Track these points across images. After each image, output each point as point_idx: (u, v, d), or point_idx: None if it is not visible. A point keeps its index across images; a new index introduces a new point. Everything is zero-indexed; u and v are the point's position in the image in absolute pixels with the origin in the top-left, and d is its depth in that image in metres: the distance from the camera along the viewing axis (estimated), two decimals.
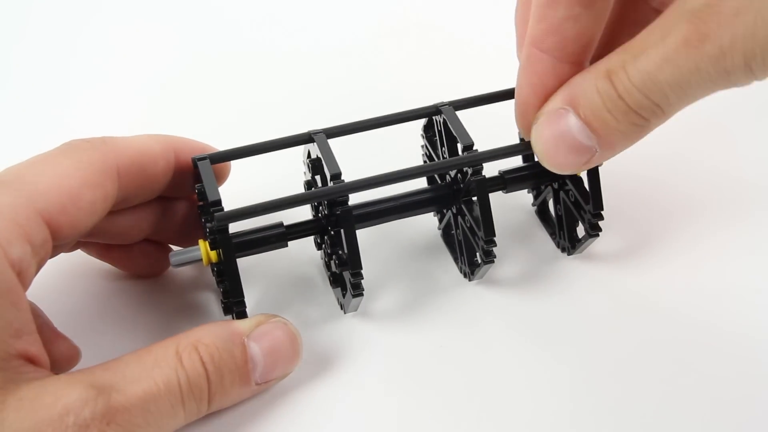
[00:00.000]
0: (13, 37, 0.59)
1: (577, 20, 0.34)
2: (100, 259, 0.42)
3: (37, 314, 0.36)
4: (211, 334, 0.35)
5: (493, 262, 0.40)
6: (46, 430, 0.30)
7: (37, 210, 0.33)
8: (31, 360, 0.32)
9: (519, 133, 0.45)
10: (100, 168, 0.36)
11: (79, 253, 0.41)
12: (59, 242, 0.35)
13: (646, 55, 0.31)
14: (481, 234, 0.39)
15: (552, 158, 0.35)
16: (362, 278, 0.38)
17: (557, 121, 0.34)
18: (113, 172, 0.36)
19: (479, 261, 0.40)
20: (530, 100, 0.35)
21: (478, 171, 0.39)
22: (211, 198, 0.36)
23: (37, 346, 0.33)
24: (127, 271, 0.43)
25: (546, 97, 0.35)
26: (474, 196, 0.39)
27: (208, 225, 0.37)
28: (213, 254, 0.38)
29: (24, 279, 0.33)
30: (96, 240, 0.40)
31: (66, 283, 0.42)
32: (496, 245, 0.39)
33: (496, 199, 0.44)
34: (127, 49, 0.58)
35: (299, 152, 0.42)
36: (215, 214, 0.36)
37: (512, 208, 0.46)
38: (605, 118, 0.33)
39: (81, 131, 0.39)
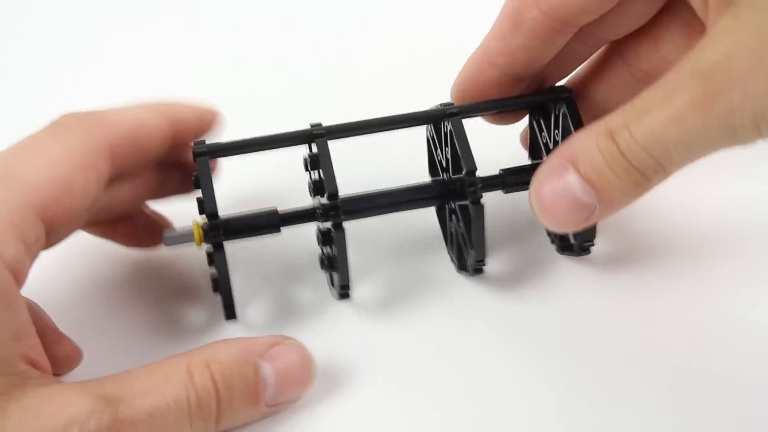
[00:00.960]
0: (11, 37, 0.56)
1: (532, 50, 0.38)
2: (105, 238, 0.42)
3: (38, 315, 0.36)
4: (223, 353, 0.34)
5: (482, 272, 0.40)
6: None
7: (31, 206, 0.33)
8: (32, 364, 0.32)
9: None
10: (91, 149, 0.35)
11: (72, 242, 0.40)
12: (54, 231, 0.35)
13: (651, 114, 0.31)
14: (473, 253, 0.39)
15: (550, 215, 0.35)
16: (350, 289, 0.39)
17: (557, 178, 0.34)
18: (105, 149, 0.35)
19: (469, 270, 0.41)
20: (469, 93, 0.40)
21: (476, 200, 0.38)
22: (207, 210, 0.36)
23: (37, 349, 0.33)
24: (131, 244, 0.43)
25: (483, 94, 0.40)
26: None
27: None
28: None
29: (19, 279, 0.33)
30: (102, 218, 0.40)
31: (62, 275, 0.43)
32: (485, 264, 0.40)
33: (499, 196, 0.44)
34: (129, 45, 0.56)
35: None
36: (205, 227, 0.36)
37: (515, 207, 0.46)
38: (606, 175, 0.32)
39: None
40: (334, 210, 0.37)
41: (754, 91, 0.29)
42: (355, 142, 0.41)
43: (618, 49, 0.40)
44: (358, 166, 0.42)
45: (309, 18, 0.59)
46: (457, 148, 0.38)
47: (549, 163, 0.34)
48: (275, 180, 0.43)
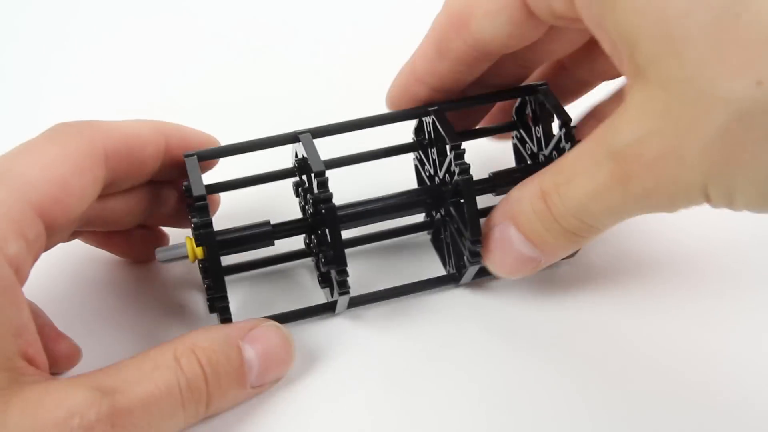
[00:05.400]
0: (9, 39, 0.59)
1: (457, 73, 0.38)
2: (100, 248, 0.42)
3: (37, 314, 0.37)
4: (206, 338, 0.35)
5: (479, 263, 0.39)
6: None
7: (30, 204, 0.33)
8: (29, 360, 0.32)
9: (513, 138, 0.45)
10: (87, 153, 0.36)
11: (73, 247, 0.41)
12: (53, 231, 0.35)
13: (576, 184, 0.33)
14: (467, 234, 0.39)
15: (504, 272, 0.38)
16: (347, 275, 0.38)
17: (501, 237, 0.37)
18: (100, 156, 0.36)
19: (466, 263, 0.40)
20: (401, 103, 0.41)
21: (465, 170, 0.38)
22: (196, 193, 0.36)
23: (36, 345, 0.33)
24: (126, 258, 0.43)
25: (414, 103, 0.41)
26: (461, 197, 0.39)
27: (194, 221, 0.37)
28: (199, 251, 0.38)
29: (21, 275, 0.33)
30: (93, 229, 0.40)
31: (61, 277, 0.43)
32: (482, 246, 0.39)
33: (492, 201, 0.44)
34: (123, 50, 0.58)
35: (289, 155, 0.42)
36: (196, 204, 0.36)
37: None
38: (543, 236, 0.35)
39: None
40: (322, 187, 0.37)
41: (666, 177, 0.30)
42: (348, 170, 0.43)
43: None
44: (351, 195, 0.42)
45: (299, 24, 0.61)
46: (441, 131, 0.39)
47: (493, 221, 0.37)
48: (268, 210, 0.43)
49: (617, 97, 0.41)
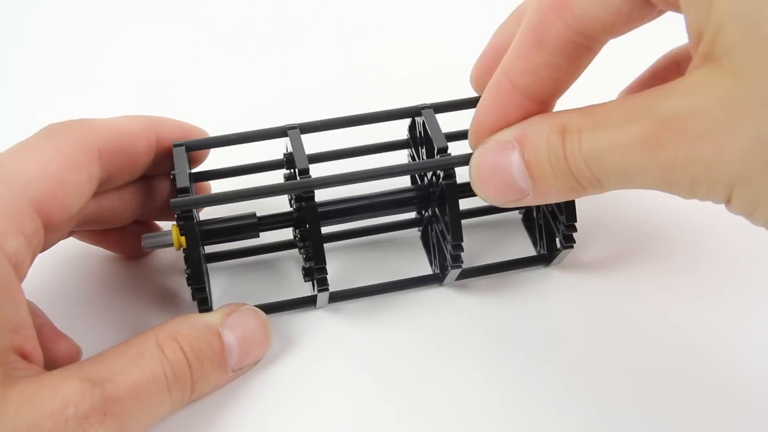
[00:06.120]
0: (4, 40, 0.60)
1: (557, 68, 0.33)
2: (95, 245, 0.43)
3: (36, 314, 0.37)
4: (187, 326, 0.36)
5: (460, 267, 0.39)
6: (47, 422, 0.31)
7: (28, 201, 0.34)
8: (25, 356, 0.33)
9: None
10: (81, 150, 0.36)
11: (66, 243, 0.41)
12: (51, 228, 0.35)
13: (602, 132, 0.30)
14: (449, 238, 0.39)
15: (484, 186, 0.35)
16: (326, 273, 0.38)
17: (501, 152, 0.33)
18: (94, 152, 0.37)
19: (448, 266, 0.40)
20: (489, 125, 0.35)
21: (449, 175, 0.38)
22: (179, 185, 0.37)
23: (33, 342, 0.33)
24: (121, 254, 0.44)
25: (505, 122, 0.34)
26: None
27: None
28: (183, 240, 0.38)
29: (20, 272, 0.33)
30: (90, 227, 0.41)
31: (54, 273, 0.43)
32: (463, 250, 0.39)
33: (480, 203, 0.44)
34: (120, 50, 0.59)
35: (282, 149, 0.42)
36: (172, 200, 0.36)
37: (501, 214, 0.46)
38: (545, 171, 0.32)
39: None
40: (302, 189, 0.37)
41: (699, 157, 0.28)
42: (345, 163, 0.42)
43: None
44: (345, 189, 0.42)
45: (297, 22, 0.61)
46: (429, 133, 0.39)
47: (500, 135, 0.34)
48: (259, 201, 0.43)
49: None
